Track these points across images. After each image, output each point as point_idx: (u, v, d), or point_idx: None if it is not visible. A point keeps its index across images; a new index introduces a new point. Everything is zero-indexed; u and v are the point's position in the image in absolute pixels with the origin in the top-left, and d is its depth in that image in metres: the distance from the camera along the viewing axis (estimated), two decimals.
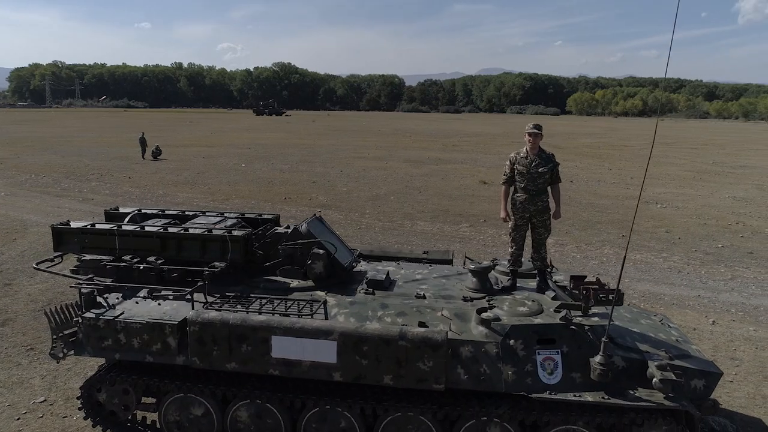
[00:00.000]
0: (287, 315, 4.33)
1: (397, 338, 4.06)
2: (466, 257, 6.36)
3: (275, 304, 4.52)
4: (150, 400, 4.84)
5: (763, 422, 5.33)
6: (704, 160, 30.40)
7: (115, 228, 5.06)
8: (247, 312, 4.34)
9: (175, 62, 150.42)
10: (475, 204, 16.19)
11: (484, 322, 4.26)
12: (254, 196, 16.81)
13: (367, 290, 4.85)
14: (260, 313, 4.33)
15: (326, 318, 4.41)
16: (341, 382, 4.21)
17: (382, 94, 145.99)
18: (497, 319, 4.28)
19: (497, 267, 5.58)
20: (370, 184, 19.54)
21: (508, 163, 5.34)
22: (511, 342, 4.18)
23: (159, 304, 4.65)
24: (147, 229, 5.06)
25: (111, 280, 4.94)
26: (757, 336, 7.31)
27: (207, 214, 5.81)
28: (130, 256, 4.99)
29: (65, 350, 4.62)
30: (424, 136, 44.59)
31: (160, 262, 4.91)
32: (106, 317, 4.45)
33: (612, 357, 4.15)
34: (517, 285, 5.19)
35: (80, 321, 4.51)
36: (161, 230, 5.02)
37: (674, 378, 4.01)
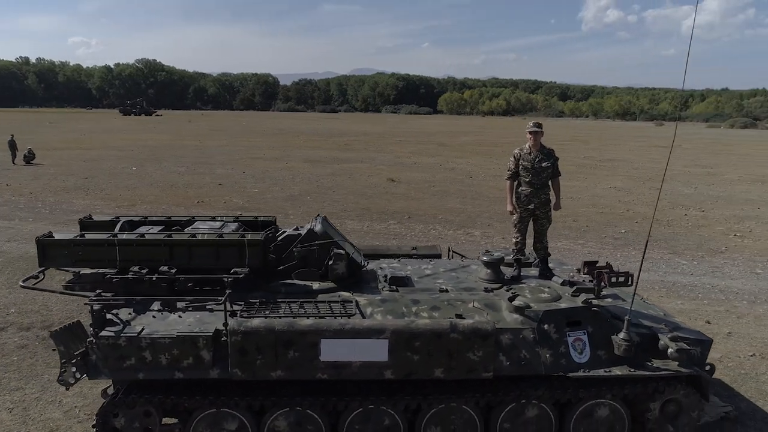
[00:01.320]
0: (334, 317, 4.25)
1: (448, 331, 4.16)
2: (453, 252, 6.58)
3: (307, 308, 4.42)
4: (171, 420, 4.50)
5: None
6: (576, 155, 33.28)
7: (116, 237, 4.64)
8: (294, 317, 4.20)
9: (21, 57, 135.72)
10: (392, 201, 16.51)
11: (518, 310, 4.49)
12: (162, 201, 15.84)
13: (391, 288, 4.89)
14: (308, 317, 4.21)
15: (363, 317, 4.40)
16: (392, 379, 4.23)
17: (257, 93, 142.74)
18: (529, 306, 4.53)
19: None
20: (280, 184, 19.18)
21: (512, 159, 5.63)
22: (545, 326, 4.45)
23: (180, 316, 4.35)
24: (153, 236, 4.69)
25: (111, 294, 4.53)
26: (685, 308, 8.28)
27: (199, 218, 5.48)
28: (138, 267, 4.59)
29: (77, 375, 4.17)
30: (312, 136, 44.35)
31: (173, 271, 4.58)
32: (127, 334, 4.08)
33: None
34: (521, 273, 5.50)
35: (95, 341, 4.10)
36: (169, 237, 4.68)
37: (687, 347, 4.50)
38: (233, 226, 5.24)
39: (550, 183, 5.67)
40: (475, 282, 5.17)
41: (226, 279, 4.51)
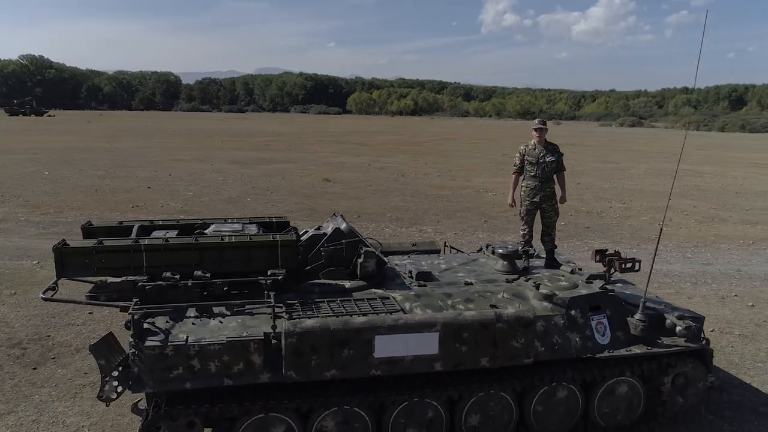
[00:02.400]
0: (376, 314, 4.29)
1: (494, 321, 4.32)
2: (451, 247, 6.77)
3: (347, 307, 4.43)
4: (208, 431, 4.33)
5: None
6: (493, 153, 34.72)
7: (143, 242, 4.40)
8: (349, 315, 4.20)
9: None
10: (335, 201, 16.48)
11: (547, 298, 4.75)
12: (91, 207, 14.86)
13: (420, 283, 4.99)
14: (362, 315, 4.22)
15: (404, 312, 4.47)
16: (441, 371, 4.33)
17: (157, 93, 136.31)
18: (555, 294, 4.80)
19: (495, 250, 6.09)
20: (213, 187, 18.57)
21: (518, 155, 5.89)
22: (573, 312, 4.73)
23: (221, 321, 4.22)
24: (182, 240, 4.49)
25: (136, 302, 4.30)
26: None
27: (211, 221, 5.30)
28: (170, 272, 4.38)
29: (118, 389, 3.93)
30: (227, 137, 43.07)
31: (208, 275, 4.41)
32: (174, 343, 3.90)
33: None
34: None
35: (138, 352, 3.88)
36: (198, 241, 4.50)
37: (693, 324, 4.96)
38: (253, 228, 5.12)
39: (555, 177, 5.98)
40: (493, 274, 5.39)
41: (264, 281, 4.42)
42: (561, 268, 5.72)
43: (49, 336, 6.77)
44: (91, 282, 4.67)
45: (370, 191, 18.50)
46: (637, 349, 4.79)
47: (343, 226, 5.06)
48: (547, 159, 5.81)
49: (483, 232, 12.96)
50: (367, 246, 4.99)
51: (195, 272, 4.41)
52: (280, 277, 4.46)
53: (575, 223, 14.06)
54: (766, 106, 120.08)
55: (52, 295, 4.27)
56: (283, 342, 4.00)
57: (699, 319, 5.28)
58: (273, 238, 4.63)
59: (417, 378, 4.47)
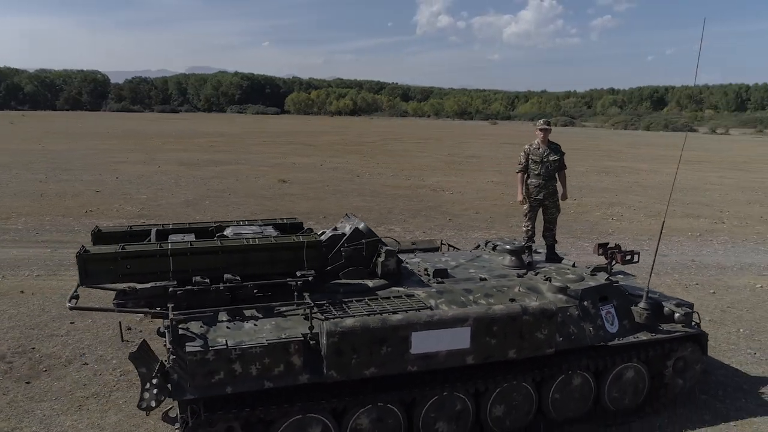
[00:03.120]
0: (420, 310, 4.38)
1: (521, 314, 4.49)
2: (449, 245, 6.91)
3: (375, 305, 4.49)
4: None
5: None
6: (440, 152, 35.31)
7: (169, 247, 4.29)
8: (385, 314, 4.25)
9: None
10: (297, 202, 16.37)
11: (561, 290, 4.97)
12: (41, 212, 14.12)
13: (438, 280, 5.11)
14: (397, 313, 4.28)
15: (431, 309, 4.57)
16: (473, 364, 4.46)
17: (84, 92, 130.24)
18: (568, 286, 5.03)
19: (498, 246, 6.30)
20: (166, 189, 18.01)
21: (522, 153, 6.10)
22: (585, 303, 4.98)
23: (255, 324, 4.19)
24: (209, 244, 4.41)
25: (159, 308, 4.21)
26: None
27: (226, 223, 5.22)
28: (199, 277, 4.29)
29: (159, 397, 3.83)
30: (167, 138, 41.71)
31: (238, 279, 4.35)
32: (216, 347, 3.85)
33: None
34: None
35: (179, 358, 3.80)
36: (224, 244, 4.44)
37: (690, 311, 5.32)
38: (271, 230, 5.08)
39: (557, 175, 6.23)
40: (502, 269, 5.57)
41: (294, 282, 4.41)
42: (563, 261, 5.98)
43: (33, 348, 6.44)
44: (110, 289, 4.52)
45: (328, 192, 18.46)
46: (642, 336, 5.08)
47: (362, 225, 5.10)
48: (551, 158, 6.06)
49: (450, 231, 13.22)
50: (386, 245, 5.06)
51: (225, 275, 4.35)
52: (310, 278, 4.46)
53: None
54: (684, 106, 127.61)
55: (76, 303, 4.10)
56: (324, 342, 4.02)
57: (690, 306, 5.66)
58: (298, 239, 4.62)
59: (445, 372, 4.58)
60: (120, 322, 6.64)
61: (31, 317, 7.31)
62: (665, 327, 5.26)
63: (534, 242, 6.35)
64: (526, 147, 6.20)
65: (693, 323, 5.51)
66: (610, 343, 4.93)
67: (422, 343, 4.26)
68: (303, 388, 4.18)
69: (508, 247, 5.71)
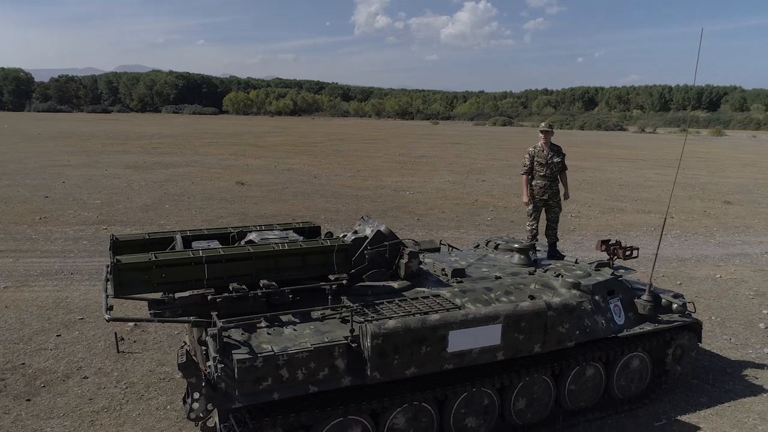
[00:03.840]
0: (455, 309, 4.49)
1: (546, 309, 4.68)
2: (448, 245, 7.05)
3: (406, 306, 4.58)
4: None
5: None
6: (391, 153, 35.59)
7: (204, 254, 4.22)
8: (423, 314, 4.34)
9: None
10: (261, 204, 16.16)
11: (575, 286, 5.21)
12: None
13: (457, 280, 5.24)
14: (434, 313, 4.38)
15: (458, 308, 4.70)
16: (503, 360, 4.61)
17: (5, 91, 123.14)
18: (579, 282, 5.27)
19: (500, 245, 6.50)
20: (120, 194, 17.37)
21: (527, 156, 6.31)
22: (596, 297, 5.24)
23: (295, 329, 4.19)
24: (241, 250, 4.37)
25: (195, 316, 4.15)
26: None
27: (245, 228, 5.16)
28: (236, 283, 4.24)
29: (209, 406, 3.76)
30: (106, 139, 40.11)
31: (275, 285, 4.33)
32: (264, 354, 3.83)
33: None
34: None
35: (226, 366, 3.76)
36: (257, 250, 4.41)
37: (686, 302, 5.68)
38: (295, 235, 5.07)
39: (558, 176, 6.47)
40: (512, 267, 5.77)
41: (329, 286, 4.44)
42: (565, 258, 6.24)
43: (24, 364, 6.14)
44: (139, 299, 4.39)
45: (290, 194, 18.31)
46: (647, 327, 5.40)
47: (383, 228, 5.17)
48: (555, 160, 6.31)
49: (420, 230, 13.41)
50: (407, 247, 5.15)
51: (261, 281, 4.32)
52: (344, 282, 4.50)
53: (500, 218, 14.99)
54: (613, 106, 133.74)
55: (111, 315, 3.97)
56: (368, 344, 4.07)
57: (682, 297, 6.04)
58: (329, 243, 4.64)
59: (472, 369, 4.71)
60: (115, 333, 6.49)
61: (12, 331, 6.95)
62: (664, 317, 5.59)
63: (537, 240, 6.59)
64: (531, 150, 6.43)
65: (687, 313, 5.89)
66: (620, 335, 5.21)
67: (458, 341, 4.37)
68: (340, 390, 4.22)
69: (516, 246, 5.92)
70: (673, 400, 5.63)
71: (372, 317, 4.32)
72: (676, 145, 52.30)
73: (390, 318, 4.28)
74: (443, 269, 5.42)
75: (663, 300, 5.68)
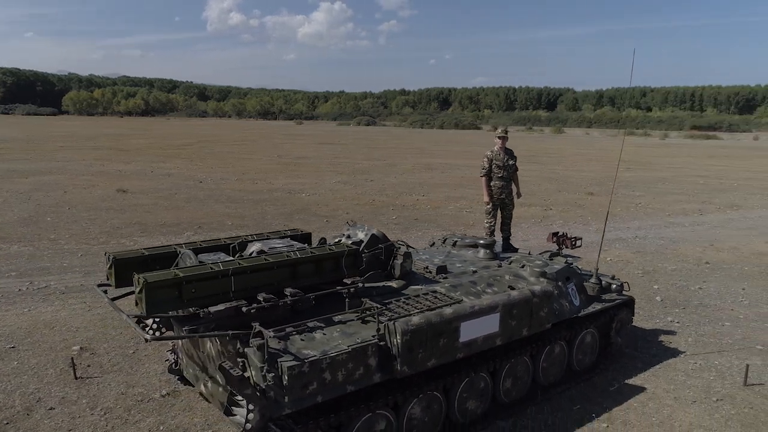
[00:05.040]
0: (459, 303, 4.86)
1: (531, 297, 5.24)
2: (406, 245, 7.40)
3: (413, 303, 4.90)
4: None
5: None
6: (267, 154, 35.12)
7: (230, 267, 4.19)
8: (438, 309, 4.66)
9: None
10: (155, 213, 15.33)
11: (543, 274, 5.86)
12: None
13: (442, 276, 5.64)
14: (450, 306, 4.72)
15: (459, 302, 5.11)
16: (501, 345, 5.09)
17: None
18: (545, 271, 5.93)
19: (458, 242, 7.00)
20: None
21: (486, 159, 6.84)
22: (560, 284, 5.93)
23: (324, 333, 4.33)
24: (263, 261, 4.38)
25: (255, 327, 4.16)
26: None
27: (249, 238, 5.13)
28: (263, 293, 4.26)
29: (263, 416, 3.78)
30: None
31: (301, 292, 4.42)
32: (310, 359, 3.94)
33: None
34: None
35: (275, 375, 3.82)
36: (277, 260, 4.46)
37: (622, 282, 6.59)
38: (297, 243, 5.14)
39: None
40: (480, 261, 6.29)
41: (347, 290, 4.62)
42: (519, 251, 6.90)
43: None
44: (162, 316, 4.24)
45: (182, 200, 17.53)
46: (598, 306, 6.21)
47: (376, 231, 5.42)
48: (510, 162, 6.94)
49: (332, 231, 13.60)
50: (398, 248, 5.45)
51: (286, 289, 4.39)
52: (360, 285, 4.70)
53: (404, 216, 15.64)
54: (465, 106, 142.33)
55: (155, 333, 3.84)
56: (397, 340, 4.32)
57: (618, 279, 6.97)
58: (340, 249, 4.81)
59: (473, 356, 5.15)
60: (72, 359, 6.08)
61: None
62: (607, 297, 6.46)
63: (494, 236, 7.18)
64: (489, 153, 7.00)
65: (623, 292, 6.82)
66: (580, 314, 5.95)
67: (467, 331, 4.77)
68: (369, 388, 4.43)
69: (482, 242, 6.46)
70: (618, 367, 6.51)
71: (392, 316, 4.57)
72: (529, 143, 57.23)
73: (411, 315, 4.56)
74: (426, 267, 5.80)
75: (604, 282, 6.54)
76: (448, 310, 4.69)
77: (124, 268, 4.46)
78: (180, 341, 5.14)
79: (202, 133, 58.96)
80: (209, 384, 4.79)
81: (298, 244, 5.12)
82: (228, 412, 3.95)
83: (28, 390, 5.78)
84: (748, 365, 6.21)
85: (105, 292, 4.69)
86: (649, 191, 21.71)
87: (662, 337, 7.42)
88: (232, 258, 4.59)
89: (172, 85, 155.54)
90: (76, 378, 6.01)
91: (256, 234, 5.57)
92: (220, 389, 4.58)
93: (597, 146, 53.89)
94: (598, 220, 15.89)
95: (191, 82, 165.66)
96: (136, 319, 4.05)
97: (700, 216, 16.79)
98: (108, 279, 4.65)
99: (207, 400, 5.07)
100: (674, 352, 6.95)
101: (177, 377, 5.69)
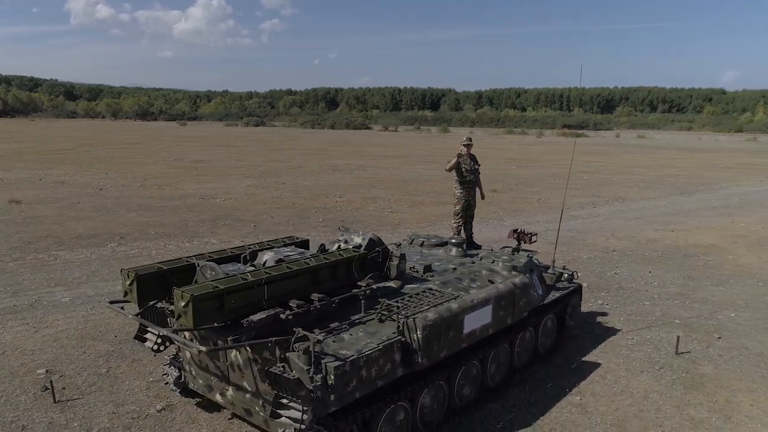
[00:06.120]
0: (458, 298, 5.30)
1: (514, 289, 5.82)
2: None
3: (417, 302, 5.29)
4: None
5: None
6: (163, 157, 33.59)
7: (263, 277, 4.31)
8: (446, 304, 5.06)
9: None
10: (64, 224, 14.36)
11: (514, 268, 6.47)
12: None
13: (430, 274, 6.06)
14: (455, 301, 5.14)
15: (460, 297, 5.55)
16: (492, 334, 5.61)
17: None
18: (515, 265, 6.55)
19: (425, 241, 7.45)
20: None
21: (456, 158, 7.32)
22: (527, 275, 6.58)
23: (351, 334, 4.59)
24: (292, 269, 4.54)
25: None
26: None
27: (250, 247, 5.21)
28: (296, 300, 4.42)
29: (314, 416, 3.97)
30: None
31: (325, 296, 4.63)
32: (350, 359, 4.20)
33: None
34: None
35: (321, 375, 4.04)
36: (303, 267, 4.64)
37: (572, 272, 7.40)
38: (303, 250, 5.31)
39: None
40: (455, 259, 6.79)
41: (363, 292, 4.90)
42: (482, 248, 7.48)
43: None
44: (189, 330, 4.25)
45: (89, 210, 16.51)
46: (557, 294, 6.95)
47: (372, 236, 5.72)
48: (476, 167, 7.48)
49: (264, 236, 13.57)
50: (391, 251, 5.79)
51: (312, 295, 4.60)
52: (374, 287, 5.00)
53: (330, 218, 15.87)
54: (352, 106, 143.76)
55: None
56: (418, 335, 4.69)
57: (569, 269, 7.78)
58: (350, 254, 5.07)
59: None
60: (51, 382, 5.88)
61: None
62: (560, 285, 7.23)
63: (462, 235, 7.69)
64: (460, 152, 7.53)
65: (574, 280, 7.62)
66: (545, 302, 6.64)
67: (469, 323, 5.25)
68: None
69: (454, 241, 6.97)
70: (573, 347, 7.30)
71: (407, 313, 4.92)
72: (423, 142, 59.24)
73: (425, 311, 4.94)
74: (413, 267, 6.19)
75: (557, 272, 7.31)
76: (454, 305, 5.13)
77: (146, 284, 4.43)
78: (188, 353, 5.14)
79: (79, 135, 54.82)
80: (229, 392, 4.86)
81: (307, 252, 5.30)
82: (275, 415, 4.09)
83: (6, 419, 5.46)
84: (678, 337, 7.24)
85: (122, 308, 4.62)
86: (544, 187, 23.56)
87: (599, 319, 8.37)
88: (255, 268, 4.70)
89: (33, 83, 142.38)
90: (55, 401, 5.75)
91: (257, 243, 5.66)
92: (248, 396, 4.69)
93: (484, 144, 56.97)
94: (510, 215, 17.12)
95: (56, 80, 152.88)
96: (185, 332, 4.06)
97: (594, 208, 18.60)
98: (126, 296, 4.57)
99: (224, 408, 5.12)
100: (613, 331, 7.89)
101: (178, 390, 5.64)
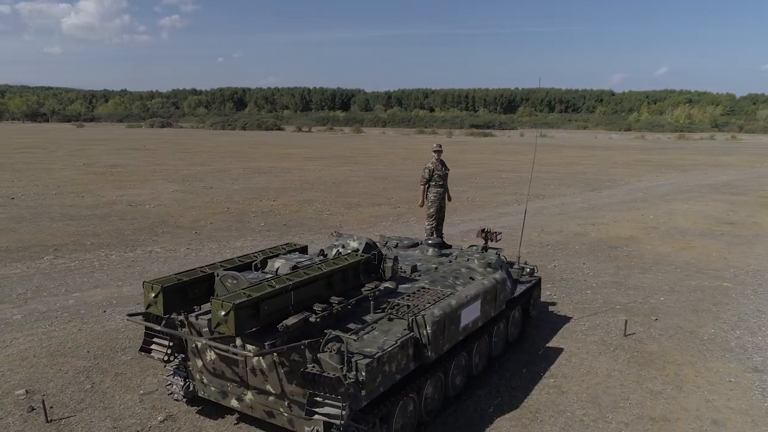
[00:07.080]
0: (451, 294, 5.72)
1: (496, 284, 6.33)
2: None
3: (417, 299, 5.66)
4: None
5: None
6: (71, 162, 31.70)
7: (290, 283, 4.50)
8: (443, 301, 5.46)
9: None
10: (41, 232, 13.43)
11: (489, 265, 7.00)
12: None
13: (418, 274, 6.45)
14: (453, 297, 5.55)
15: (455, 294, 5.97)
16: (481, 327, 6.08)
17: None
18: (489, 263, 7.08)
19: (398, 243, 7.82)
20: None
21: (427, 171, 7.75)
22: (500, 270, 7.13)
23: (367, 333, 4.89)
24: (313, 274, 4.75)
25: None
26: None
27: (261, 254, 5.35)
28: (319, 304, 4.65)
29: (349, 410, 4.22)
30: None
31: (343, 299, 4.88)
32: (377, 356, 4.50)
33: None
34: None
35: (354, 373, 4.32)
36: (323, 271, 4.88)
37: (533, 266, 8.05)
38: (310, 255, 5.50)
39: None
40: (433, 258, 7.21)
41: (372, 294, 5.20)
42: (453, 247, 7.95)
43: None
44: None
45: (8, 221, 15.46)
46: (522, 287, 7.56)
47: (368, 240, 6.01)
48: (446, 171, 7.91)
49: (211, 243, 13.39)
50: (384, 253, 6.12)
51: (331, 298, 4.85)
52: (382, 288, 5.31)
53: (272, 222, 15.84)
54: (261, 106, 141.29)
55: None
56: (428, 331, 5.06)
57: (529, 263, 8.42)
58: (356, 258, 5.36)
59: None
60: (43, 401, 5.78)
61: None
62: (524, 279, 7.86)
63: (435, 236, 8.11)
64: (430, 165, 7.91)
65: (534, 274, 8.25)
66: (515, 295, 7.23)
67: (465, 317, 5.69)
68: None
69: (430, 241, 7.38)
70: (536, 334, 7.96)
71: (414, 311, 5.28)
72: (340, 143, 59.47)
73: (430, 308, 5.32)
74: (400, 267, 6.54)
75: (522, 267, 7.93)
76: (453, 301, 5.55)
77: (171, 296, 4.49)
78: (200, 362, 5.20)
79: None
80: (248, 396, 5.00)
81: (315, 257, 5.52)
82: (310, 414, 4.31)
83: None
84: (626, 321, 8.10)
85: (145, 318, 4.65)
86: (469, 186, 24.64)
87: (552, 308, 9.12)
88: (274, 275, 4.87)
89: None
90: (48, 421, 5.60)
91: (260, 251, 5.78)
92: (270, 398, 4.86)
93: (400, 145, 58.19)
94: (448, 214, 17.83)
95: None
96: (226, 339, 4.17)
97: (519, 206, 19.77)
98: (150, 307, 4.59)
99: (242, 412, 5.23)
100: (566, 318, 8.65)
101: (185, 400, 5.65)
